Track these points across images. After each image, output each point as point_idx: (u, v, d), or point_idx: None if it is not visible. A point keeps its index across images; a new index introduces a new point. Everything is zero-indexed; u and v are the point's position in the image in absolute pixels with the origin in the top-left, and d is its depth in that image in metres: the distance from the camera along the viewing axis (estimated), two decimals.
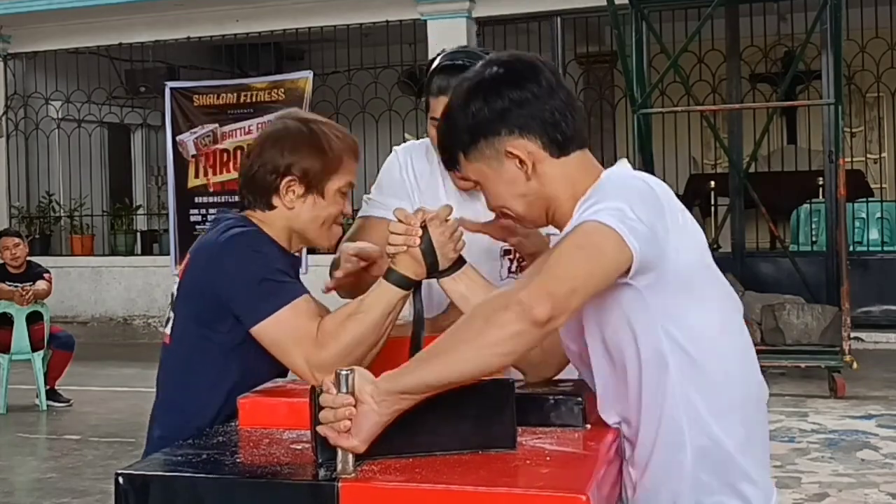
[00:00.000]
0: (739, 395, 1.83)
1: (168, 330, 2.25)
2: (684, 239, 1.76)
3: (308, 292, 2.13)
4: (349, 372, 1.64)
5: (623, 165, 1.88)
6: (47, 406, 8.38)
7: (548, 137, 1.82)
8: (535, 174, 1.82)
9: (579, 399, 1.91)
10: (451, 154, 1.90)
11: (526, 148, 1.82)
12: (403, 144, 2.73)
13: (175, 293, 2.25)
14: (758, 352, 1.94)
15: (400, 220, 2.02)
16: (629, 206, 1.67)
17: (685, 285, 1.76)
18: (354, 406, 1.63)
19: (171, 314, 2.25)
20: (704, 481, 1.79)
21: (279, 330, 2.07)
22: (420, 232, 2.00)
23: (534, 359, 1.99)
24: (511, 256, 2.51)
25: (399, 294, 2.06)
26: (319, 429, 1.64)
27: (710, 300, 1.81)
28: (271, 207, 2.24)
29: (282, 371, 2.20)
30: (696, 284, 1.78)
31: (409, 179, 2.60)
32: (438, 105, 2.36)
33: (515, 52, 1.92)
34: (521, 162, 1.82)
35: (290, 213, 2.23)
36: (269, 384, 2.17)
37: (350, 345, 2.05)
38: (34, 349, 8.35)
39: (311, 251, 12.34)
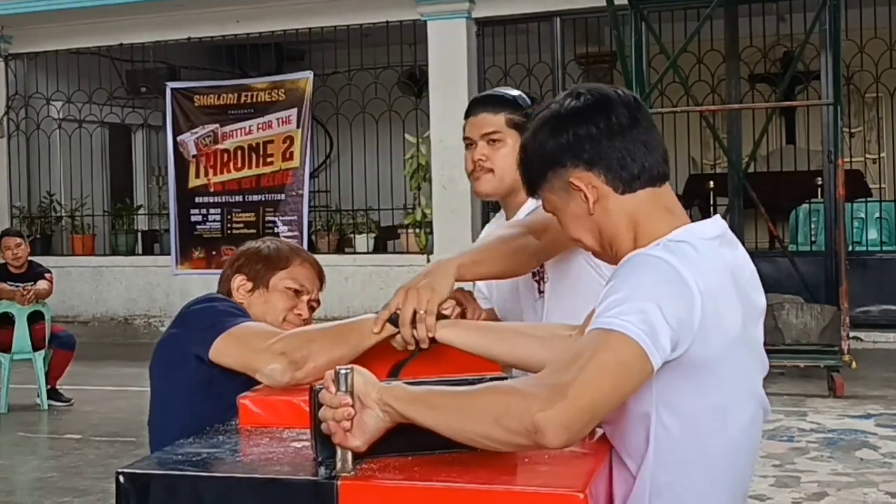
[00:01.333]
0: (714, 479, 1.80)
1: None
2: (709, 331, 1.69)
3: (251, 319, 2.35)
4: (348, 371, 1.66)
5: (684, 232, 1.79)
6: (48, 405, 8.39)
7: (612, 173, 1.80)
8: (598, 208, 1.82)
9: None
10: (528, 184, 1.92)
11: (590, 181, 1.81)
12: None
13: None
14: None
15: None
16: (658, 304, 1.63)
17: (690, 370, 1.71)
18: (353, 406, 1.65)
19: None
20: None
21: (235, 341, 2.19)
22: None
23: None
24: (537, 278, 2.68)
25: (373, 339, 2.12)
26: (326, 425, 1.65)
27: (714, 385, 1.75)
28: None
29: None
30: (702, 370, 1.72)
31: None
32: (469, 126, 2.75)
33: (598, 86, 1.89)
34: (585, 196, 1.82)
35: (245, 305, 2.48)
36: None
37: (306, 336, 2.15)
38: (35, 349, 8.36)
39: (311, 251, 12.37)
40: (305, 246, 12.04)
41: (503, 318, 2.77)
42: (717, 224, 1.84)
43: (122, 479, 1.68)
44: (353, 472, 1.62)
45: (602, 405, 1.58)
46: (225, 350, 2.20)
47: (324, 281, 2.58)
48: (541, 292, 2.67)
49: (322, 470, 1.66)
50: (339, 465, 1.63)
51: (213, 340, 2.20)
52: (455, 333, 2.06)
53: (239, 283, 2.53)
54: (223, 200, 12.66)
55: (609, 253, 1.86)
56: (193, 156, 12.71)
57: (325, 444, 1.67)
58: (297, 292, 2.52)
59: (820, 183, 11.39)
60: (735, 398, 1.79)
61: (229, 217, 12.62)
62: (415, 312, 2.05)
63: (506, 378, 1.82)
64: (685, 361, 1.68)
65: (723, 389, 1.76)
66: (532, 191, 1.92)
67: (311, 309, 2.55)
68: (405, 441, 1.69)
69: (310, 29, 12.56)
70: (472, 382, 1.76)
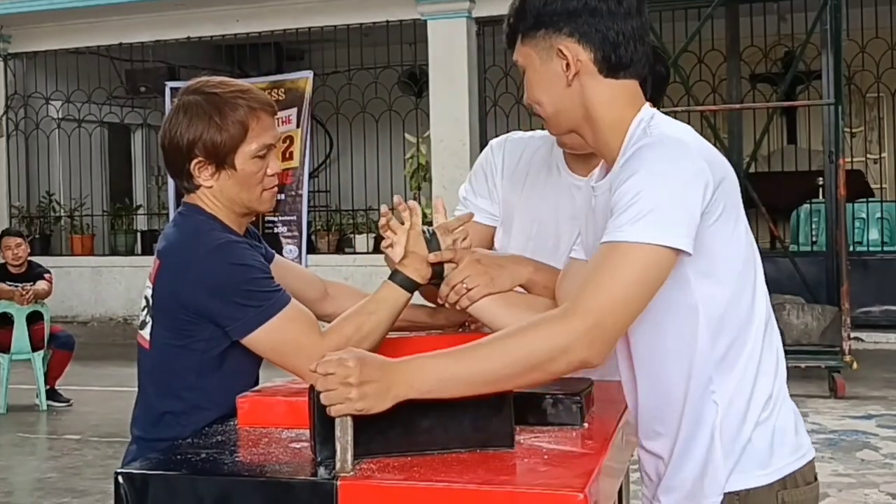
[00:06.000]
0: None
1: (147, 335, 2.20)
2: (728, 218, 1.80)
3: (290, 297, 2.12)
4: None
5: (658, 117, 1.83)
6: (47, 406, 8.39)
7: (602, 54, 1.81)
8: (577, 82, 1.82)
9: (577, 398, 1.92)
10: (513, 32, 1.90)
11: (577, 54, 1.81)
12: (503, 137, 2.59)
13: (149, 298, 2.18)
14: None
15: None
16: (670, 196, 1.66)
17: (712, 265, 1.77)
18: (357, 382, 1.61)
19: (149, 319, 2.19)
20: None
21: (278, 337, 2.06)
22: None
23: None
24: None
25: (405, 296, 2.08)
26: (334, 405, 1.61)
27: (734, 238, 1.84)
28: (197, 187, 2.19)
29: (255, 382, 2.21)
30: (723, 263, 1.80)
31: (491, 176, 2.52)
32: None
33: None
34: (568, 66, 1.81)
35: (214, 189, 2.17)
36: (267, 384, 2.18)
37: (354, 334, 2.08)
38: (34, 349, 8.35)
39: (311, 251, 12.37)
40: (305, 246, 12.05)
41: None
42: None
43: (120, 479, 1.68)
44: (352, 473, 1.61)
45: (632, 311, 1.67)
46: (267, 341, 2.06)
47: (276, 112, 2.23)
48: None
49: (321, 470, 1.65)
50: (338, 465, 1.62)
51: (256, 326, 2.04)
52: (488, 308, 2.05)
53: (198, 166, 2.15)
54: None
55: (569, 129, 1.88)
56: None
57: (324, 444, 1.67)
58: (265, 154, 2.18)
59: (821, 183, 11.38)
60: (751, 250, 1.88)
61: None
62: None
63: None
64: (711, 253, 1.74)
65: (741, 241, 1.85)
66: (512, 41, 1.90)
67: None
68: (405, 441, 1.69)
69: (310, 28, 12.56)
70: None
